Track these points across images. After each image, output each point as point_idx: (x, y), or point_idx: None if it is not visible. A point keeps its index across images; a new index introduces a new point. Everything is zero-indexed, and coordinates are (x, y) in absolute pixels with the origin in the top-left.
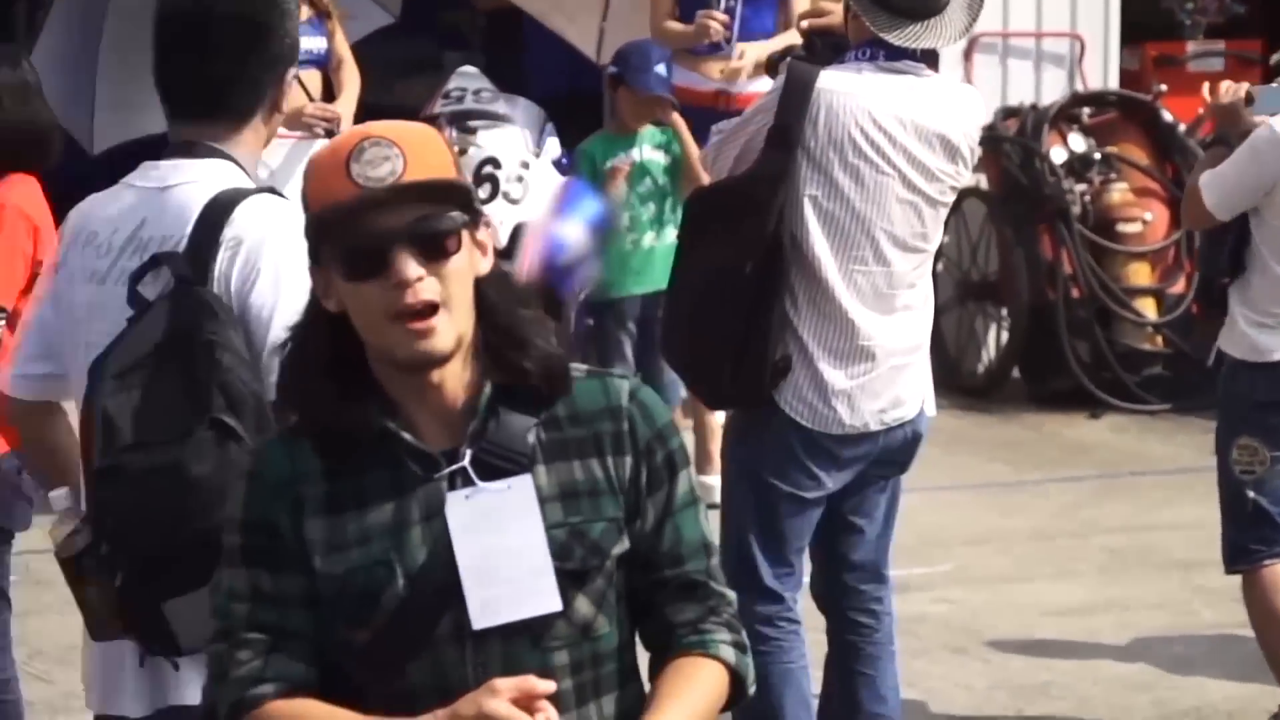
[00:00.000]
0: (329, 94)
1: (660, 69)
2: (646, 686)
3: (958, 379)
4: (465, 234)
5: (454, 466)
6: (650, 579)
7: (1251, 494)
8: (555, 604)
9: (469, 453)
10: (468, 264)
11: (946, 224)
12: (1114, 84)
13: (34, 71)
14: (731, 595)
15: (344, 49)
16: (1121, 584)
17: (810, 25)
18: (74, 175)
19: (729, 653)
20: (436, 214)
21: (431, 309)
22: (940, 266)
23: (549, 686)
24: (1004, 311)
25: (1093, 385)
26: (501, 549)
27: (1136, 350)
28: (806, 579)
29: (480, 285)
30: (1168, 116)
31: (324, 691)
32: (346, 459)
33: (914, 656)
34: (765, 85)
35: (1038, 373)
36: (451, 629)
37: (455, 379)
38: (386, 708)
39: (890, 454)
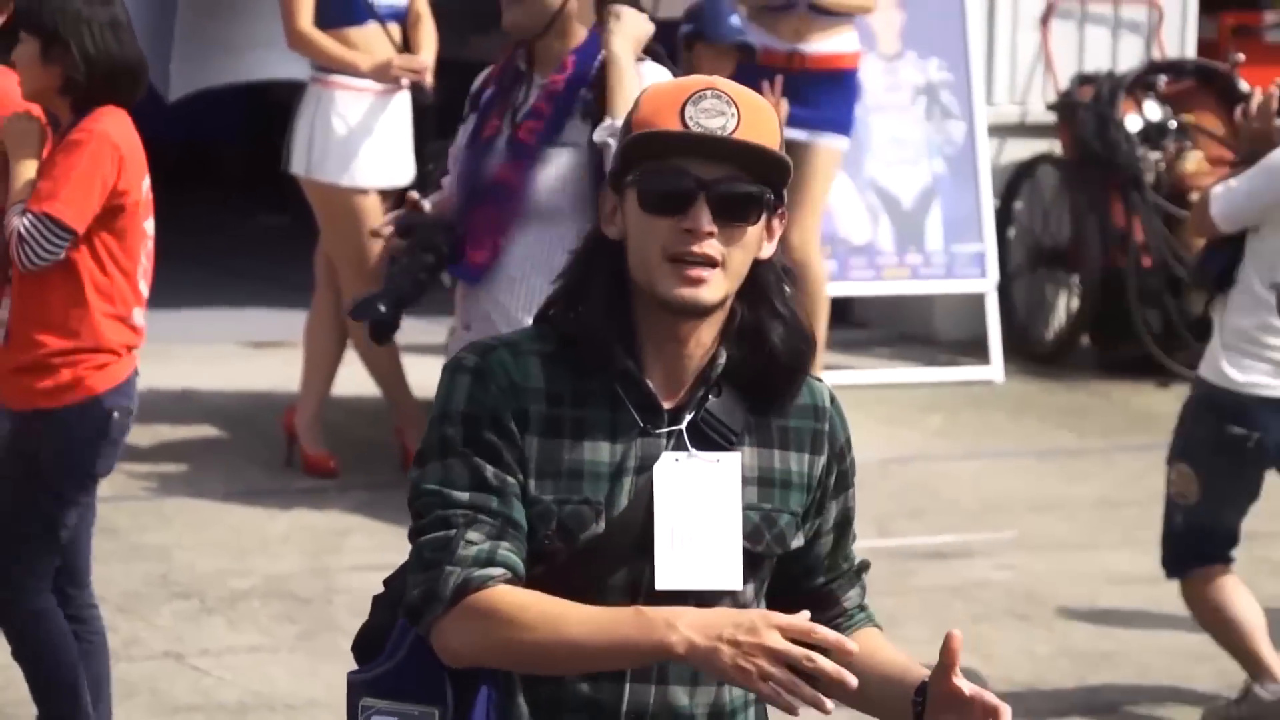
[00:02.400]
0: (406, 49)
1: (734, 19)
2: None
3: (1027, 345)
4: (765, 213)
5: (674, 427)
6: (832, 573)
7: (1180, 519)
8: (736, 583)
9: (688, 418)
10: (756, 240)
11: (1019, 190)
12: (1191, 53)
13: (124, 9)
14: None
15: (422, 4)
16: None
17: None
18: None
19: None
20: (748, 180)
21: (710, 263)
22: (1012, 232)
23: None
24: (1075, 278)
25: (1162, 354)
26: (699, 518)
27: (1206, 320)
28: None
29: (757, 266)
30: (1244, 86)
31: None
32: (574, 387)
33: (976, 621)
34: (836, 44)
35: (1107, 340)
36: (627, 581)
37: (698, 342)
38: None
39: None
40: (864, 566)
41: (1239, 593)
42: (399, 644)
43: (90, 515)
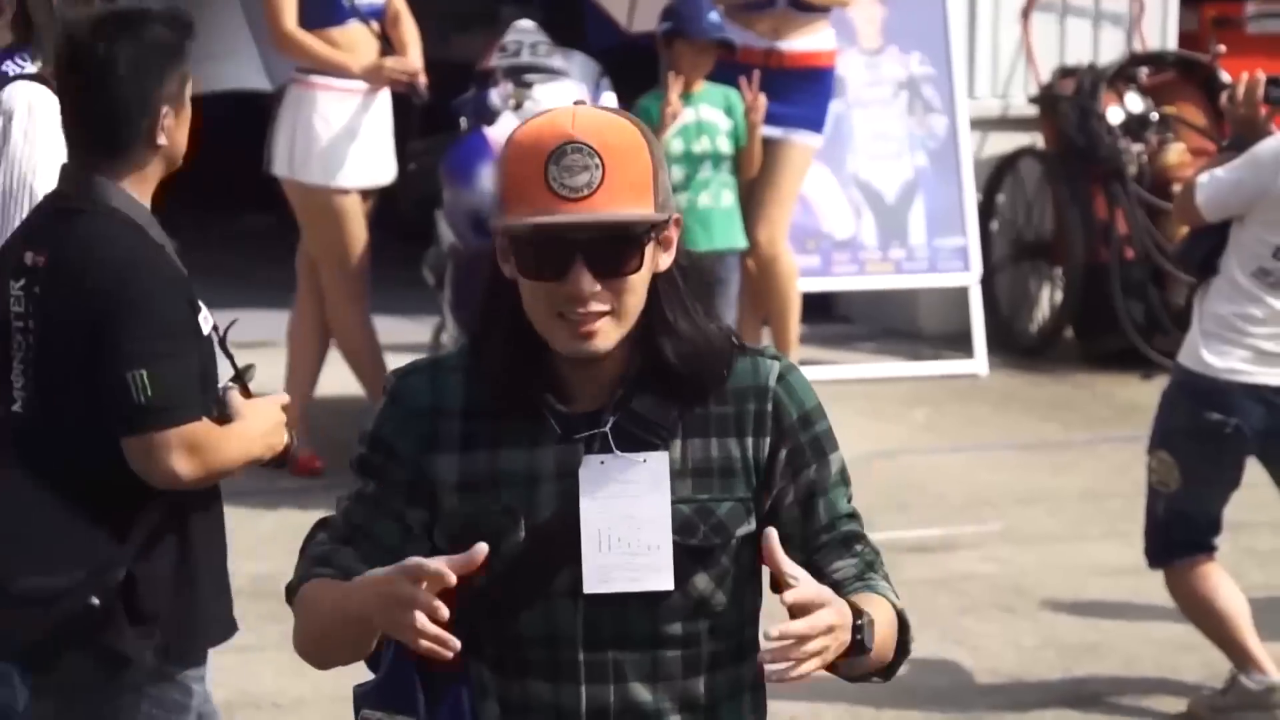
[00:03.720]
0: (385, 47)
1: (713, 15)
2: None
3: (1011, 338)
4: (650, 244)
5: (594, 431)
6: (811, 545)
7: (1161, 507)
8: (667, 583)
9: (611, 420)
10: (647, 272)
11: (1001, 183)
12: (1172, 44)
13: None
14: (879, 554)
15: (400, 2)
16: None
17: None
18: None
19: (897, 603)
20: (622, 234)
21: (601, 314)
22: (995, 225)
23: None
24: (1058, 271)
25: (1146, 345)
26: (625, 520)
27: (1189, 311)
28: None
29: (655, 279)
30: (1225, 77)
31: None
32: (493, 401)
33: (962, 614)
34: (814, 42)
35: (1091, 333)
36: (567, 587)
37: (610, 355)
38: (498, 652)
39: None
40: (851, 537)
41: (1223, 582)
42: (386, 653)
43: None
